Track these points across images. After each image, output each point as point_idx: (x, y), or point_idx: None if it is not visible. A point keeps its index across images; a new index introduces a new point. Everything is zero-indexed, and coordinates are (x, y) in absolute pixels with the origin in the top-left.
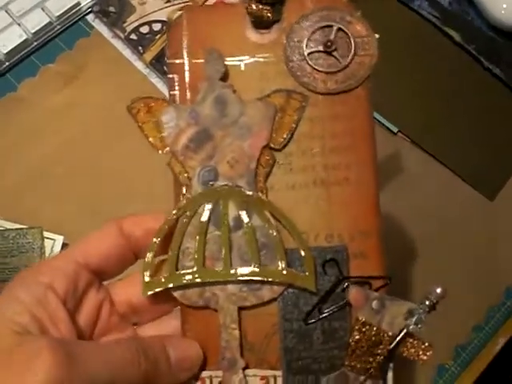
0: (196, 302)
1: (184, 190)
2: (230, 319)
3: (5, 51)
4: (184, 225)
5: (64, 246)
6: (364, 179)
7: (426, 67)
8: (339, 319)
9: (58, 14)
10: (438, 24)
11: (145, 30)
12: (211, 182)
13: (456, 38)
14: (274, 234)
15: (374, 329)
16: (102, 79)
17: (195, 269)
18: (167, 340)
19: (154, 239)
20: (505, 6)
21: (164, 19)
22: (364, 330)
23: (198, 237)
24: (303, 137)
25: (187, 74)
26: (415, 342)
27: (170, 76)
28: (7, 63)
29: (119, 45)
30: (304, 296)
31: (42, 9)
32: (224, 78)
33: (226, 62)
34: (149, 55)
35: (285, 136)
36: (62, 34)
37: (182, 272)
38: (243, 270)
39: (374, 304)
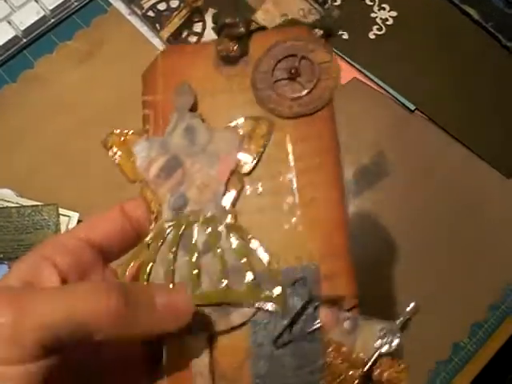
0: None
1: (155, 218)
2: (201, 346)
3: (22, 28)
4: (154, 251)
5: (79, 222)
6: (332, 199)
7: (444, 45)
8: (311, 341)
9: None
10: (456, 1)
11: (162, 6)
12: (181, 208)
13: (474, 16)
14: (244, 257)
15: (348, 350)
16: (119, 56)
17: None
18: (153, 286)
19: (125, 267)
20: None
21: None
22: (337, 351)
23: (167, 263)
24: (271, 160)
25: (161, 110)
26: (390, 362)
27: (145, 111)
28: (25, 40)
29: (136, 22)
30: (274, 319)
31: None
32: (193, 108)
33: (197, 94)
34: (166, 32)
35: (252, 161)
36: (80, 11)
37: None
38: (212, 294)
39: (347, 324)
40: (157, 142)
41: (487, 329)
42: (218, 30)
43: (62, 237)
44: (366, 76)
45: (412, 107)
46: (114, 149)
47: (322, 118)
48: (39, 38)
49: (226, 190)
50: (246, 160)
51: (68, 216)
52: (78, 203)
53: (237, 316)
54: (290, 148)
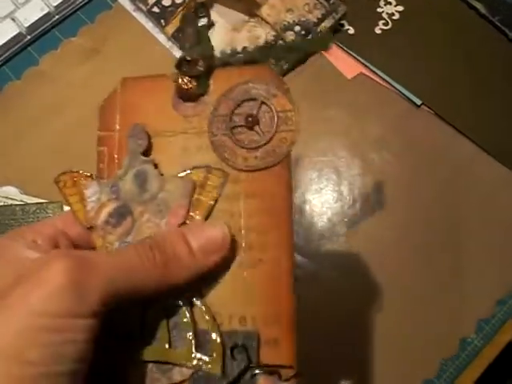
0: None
1: None
2: None
3: (27, 25)
4: None
5: None
6: (279, 262)
7: (451, 39)
8: None
9: None
10: None
11: (167, 2)
12: None
13: (481, 10)
14: (187, 314)
15: None
16: (124, 52)
17: None
18: (186, 228)
19: None
20: None
21: None
22: None
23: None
24: (221, 214)
25: (116, 148)
26: None
27: (100, 149)
28: (29, 37)
29: (141, 18)
30: (214, 380)
31: None
32: (146, 152)
33: (152, 136)
34: (171, 28)
35: (203, 214)
36: (84, 7)
37: None
38: (154, 351)
39: None
40: (107, 185)
41: (494, 324)
42: (176, 65)
43: (40, 226)
44: (372, 71)
45: (418, 102)
46: (66, 190)
47: (277, 175)
48: (43, 35)
49: None
50: (196, 213)
51: None
52: None
53: (177, 374)
54: (241, 203)
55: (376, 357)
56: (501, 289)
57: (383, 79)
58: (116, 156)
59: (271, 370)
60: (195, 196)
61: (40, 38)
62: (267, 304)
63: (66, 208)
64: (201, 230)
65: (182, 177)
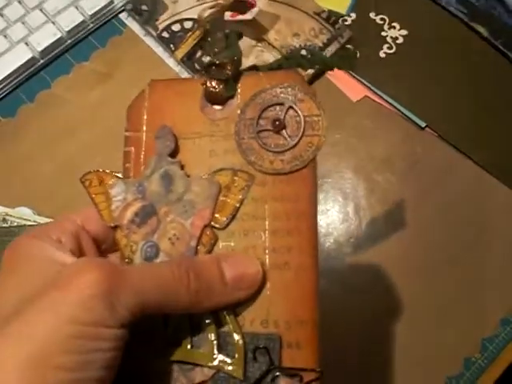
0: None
1: (127, 264)
2: None
3: (39, 49)
4: None
5: None
6: (304, 265)
7: (454, 62)
8: None
9: (91, 12)
10: (465, 19)
11: (176, 27)
12: (152, 259)
13: (483, 33)
14: (210, 315)
15: None
16: (135, 76)
17: None
18: (222, 258)
19: None
20: None
21: (195, 17)
22: None
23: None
24: (246, 217)
25: (143, 148)
26: None
27: (127, 149)
28: (42, 61)
29: (151, 42)
30: (234, 382)
31: (76, 7)
32: (173, 153)
33: (179, 138)
34: (180, 52)
35: (228, 216)
36: (96, 32)
37: None
38: (176, 351)
39: None
40: (133, 185)
41: (498, 343)
42: (205, 68)
43: (64, 223)
44: (377, 94)
45: (423, 124)
46: (91, 189)
47: (303, 178)
48: (56, 59)
49: (199, 244)
50: (221, 214)
51: None
52: None
53: (198, 374)
54: (266, 206)
55: (380, 373)
56: (505, 308)
57: (388, 102)
58: (142, 156)
59: (293, 373)
60: (221, 198)
61: (53, 62)
62: (290, 307)
63: None
64: (236, 261)
65: (208, 178)
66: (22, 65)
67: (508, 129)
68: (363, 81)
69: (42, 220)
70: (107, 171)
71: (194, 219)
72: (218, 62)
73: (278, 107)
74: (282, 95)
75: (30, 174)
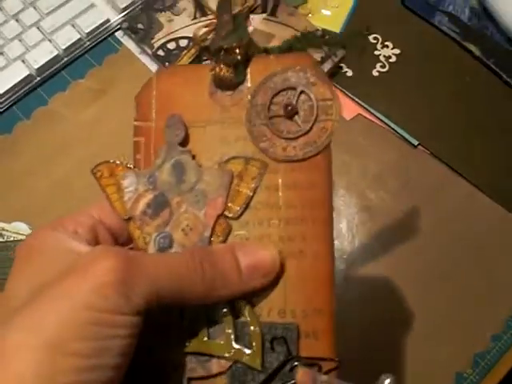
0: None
1: None
2: None
3: (36, 66)
4: None
5: None
6: (319, 253)
7: (446, 81)
8: None
9: (87, 30)
10: (457, 39)
11: (172, 46)
12: (166, 250)
13: (475, 53)
14: (226, 305)
15: None
16: (130, 93)
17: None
18: (237, 247)
19: None
20: None
21: (190, 35)
22: None
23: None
24: (260, 205)
25: (153, 138)
26: None
27: (136, 139)
28: (38, 78)
29: (147, 60)
30: (251, 372)
31: (73, 25)
32: (184, 142)
33: (189, 126)
34: None
35: (241, 205)
36: (92, 50)
37: None
38: (193, 342)
39: None
40: (145, 176)
41: (490, 359)
42: (213, 53)
43: (79, 216)
44: (370, 112)
45: (415, 142)
46: (103, 180)
47: (317, 165)
48: (52, 77)
49: (212, 234)
50: (235, 204)
51: None
52: None
53: (215, 365)
54: (280, 194)
55: None
56: (496, 324)
57: (381, 120)
58: (153, 146)
59: (311, 362)
60: (234, 187)
61: (49, 79)
62: (307, 296)
63: None
64: (251, 250)
65: (220, 167)
66: (18, 82)
67: (499, 147)
68: (356, 99)
69: None
70: (118, 162)
71: (207, 209)
72: (226, 47)
73: (289, 92)
74: (293, 79)
75: (26, 190)
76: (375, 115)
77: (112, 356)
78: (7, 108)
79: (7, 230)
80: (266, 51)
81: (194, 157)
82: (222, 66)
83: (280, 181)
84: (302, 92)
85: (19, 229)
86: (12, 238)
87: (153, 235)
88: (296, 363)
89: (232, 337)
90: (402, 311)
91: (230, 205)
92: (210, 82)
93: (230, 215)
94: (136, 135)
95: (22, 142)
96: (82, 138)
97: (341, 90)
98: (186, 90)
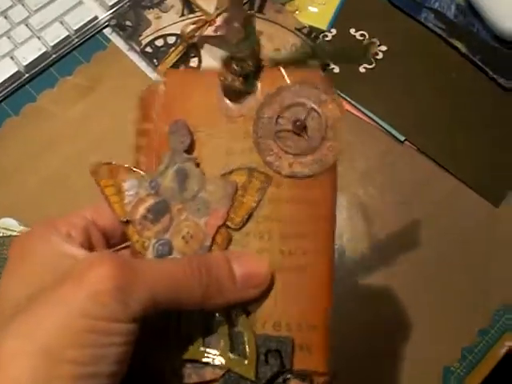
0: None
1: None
2: None
3: (25, 63)
4: None
5: None
6: (319, 270)
7: (432, 77)
8: None
9: (76, 27)
10: (443, 36)
11: (160, 43)
12: (165, 257)
13: (462, 49)
14: (221, 316)
15: None
16: (118, 90)
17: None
18: (232, 256)
19: None
20: (509, 17)
21: (178, 32)
22: None
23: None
24: (262, 218)
25: (156, 142)
26: None
27: (139, 141)
28: (27, 75)
29: (135, 57)
30: (244, 382)
31: (61, 22)
32: (189, 150)
33: (194, 131)
34: (163, 67)
35: (243, 216)
36: (80, 47)
37: None
38: (188, 350)
39: None
40: (146, 180)
41: (477, 353)
42: (224, 61)
43: (72, 217)
44: (357, 108)
45: (402, 138)
46: (103, 181)
47: (323, 183)
48: (41, 73)
49: (213, 244)
50: (237, 215)
51: None
52: None
53: (209, 372)
54: (283, 208)
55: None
56: (483, 318)
57: (368, 116)
58: (155, 150)
59: (303, 375)
60: (237, 197)
61: (37, 76)
62: (303, 310)
63: None
64: (246, 261)
65: (224, 177)
66: (7, 78)
67: (485, 143)
68: (343, 95)
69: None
70: (119, 164)
71: (209, 219)
72: (237, 56)
73: (298, 107)
74: (303, 95)
75: (15, 186)
76: (362, 111)
77: (108, 364)
78: None
79: None
80: (279, 64)
81: (198, 165)
82: (232, 75)
83: (284, 195)
84: (311, 109)
85: (9, 225)
86: (1, 234)
87: (152, 241)
88: (289, 376)
89: (227, 346)
90: (388, 305)
91: (232, 215)
92: (218, 89)
93: (232, 226)
94: (138, 136)
95: (11, 138)
96: (70, 134)
97: None
98: (193, 97)
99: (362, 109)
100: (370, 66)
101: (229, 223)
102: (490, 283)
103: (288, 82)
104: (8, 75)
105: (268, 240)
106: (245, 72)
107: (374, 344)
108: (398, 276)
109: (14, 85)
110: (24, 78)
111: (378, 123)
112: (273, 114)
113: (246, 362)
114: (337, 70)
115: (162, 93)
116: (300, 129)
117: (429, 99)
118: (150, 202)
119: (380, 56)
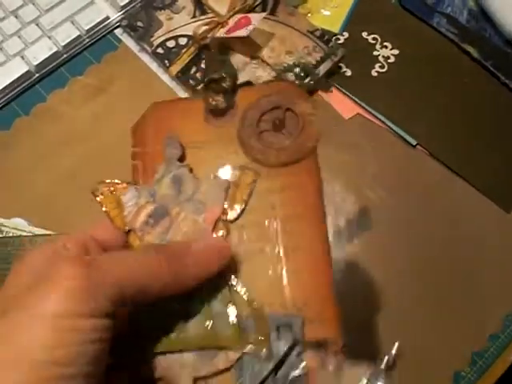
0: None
1: None
2: None
3: (35, 63)
4: None
5: None
6: (316, 246)
7: (445, 82)
8: None
9: (87, 27)
10: (456, 40)
11: (171, 44)
12: None
13: (474, 54)
14: (228, 301)
15: None
16: (129, 91)
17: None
18: (192, 240)
19: None
20: None
21: (190, 34)
22: None
23: (155, 309)
24: (255, 208)
25: (150, 161)
26: None
27: (135, 162)
28: (37, 74)
29: (146, 58)
30: (259, 362)
31: (72, 22)
32: (181, 159)
33: (186, 147)
34: (175, 68)
35: (238, 209)
36: (91, 47)
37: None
38: (198, 338)
39: (331, 368)
40: (146, 190)
41: (487, 358)
42: (205, 84)
43: (70, 233)
44: (369, 112)
45: (414, 142)
46: (103, 197)
47: (307, 169)
48: (51, 73)
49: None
50: (232, 209)
51: None
52: None
53: (221, 360)
54: (274, 196)
55: None
56: (493, 323)
57: (379, 120)
58: (150, 168)
59: (318, 345)
60: (230, 193)
61: (48, 76)
62: (307, 287)
63: None
64: (201, 239)
65: (216, 177)
66: (17, 78)
67: (497, 148)
68: (355, 98)
69: (37, 231)
70: (117, 181)
71: (207, 215)
72: (216, 77)
73: (275, 110)
74: (278, 100)
75: (25, 186)
76: (374, 115)
77: (85, 363)
78: (6, 104)
79: (6, 226)
80: (251, 84)
81: (191, 170)
82: (213, 95)
83: (273, 184)
84: (287, 109)
85: (18, 224)
86: (11, 234)
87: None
88: (303, 348)
89: (238, 328)
90: (398, 308)
91: (227, 210)
92: (204, 111)
93: (228, 219)
94: (134, 159)
95: (21, 138)
96: (81, 134)
97: (340, 90)
98: (181, 120)
99: (374, 112)
100: (383, 70)
101: (225, 217)
102: (501, 288)
103: (263, 94)
104: (18, 75)
105: (264, 227)
106: (223, 89)
107: (384, 349)
108: (408, 281)
109: (24, 84)
110: (34, 77)
111: (389, 127)
112: (253, 120)
113: (259, 341)
114: (349, 73)
115: (151, 122)
116: (280, 126)
117: (440, 104)
118: (150, 208)
119: (392, 60)
